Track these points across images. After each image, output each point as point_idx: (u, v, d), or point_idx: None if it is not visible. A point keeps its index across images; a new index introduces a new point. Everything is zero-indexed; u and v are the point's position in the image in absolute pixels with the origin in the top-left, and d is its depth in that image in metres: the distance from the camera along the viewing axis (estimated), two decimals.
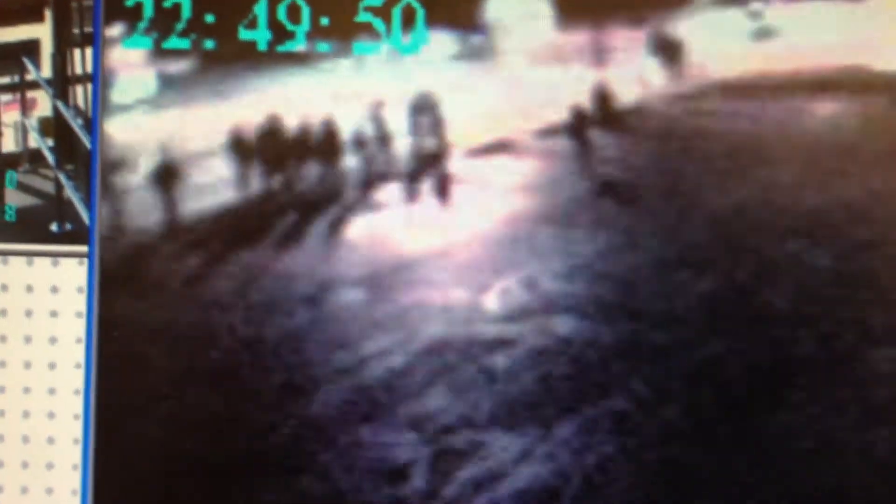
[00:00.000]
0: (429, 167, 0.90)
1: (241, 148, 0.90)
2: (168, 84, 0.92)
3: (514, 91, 0.89)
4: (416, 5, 0.90)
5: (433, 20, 0.90)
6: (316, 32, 0.91)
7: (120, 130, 0.92)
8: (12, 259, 0.98)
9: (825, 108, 0.88)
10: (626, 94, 0.89)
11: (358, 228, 0.91)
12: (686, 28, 0.89)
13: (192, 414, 0.91)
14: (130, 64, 0.93)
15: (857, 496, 0.88)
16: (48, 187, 0.99)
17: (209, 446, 0.91)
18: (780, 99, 0.88)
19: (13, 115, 0.99)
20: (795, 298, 0.88)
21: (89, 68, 0.96)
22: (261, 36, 0.90)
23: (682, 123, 0.89)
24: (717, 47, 0.88)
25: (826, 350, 0.88)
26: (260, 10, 0.90)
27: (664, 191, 0.89)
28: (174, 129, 0.92)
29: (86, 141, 0.97)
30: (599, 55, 0.89)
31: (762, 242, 0.88)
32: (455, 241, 0.91)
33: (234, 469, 0.91)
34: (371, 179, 0.90)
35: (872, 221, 0.88)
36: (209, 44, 0.92)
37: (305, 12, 0.91)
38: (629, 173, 0.89)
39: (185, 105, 0.91)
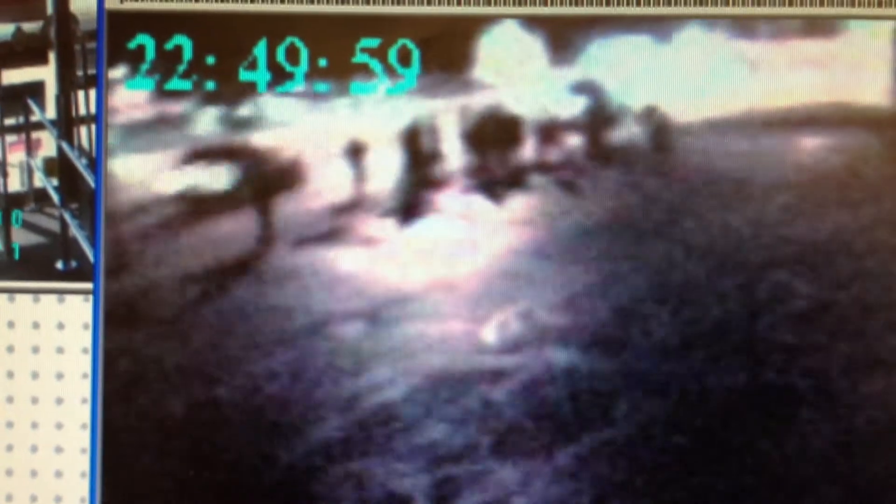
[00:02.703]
0: (427, 202, 0.92)
1: (242, 187, 0.92)
2: (170, 124, 0.93)
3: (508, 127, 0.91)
4: (411, 46, 0.91)
5: (428, 61, 0.91)
6: (314, 73, 0.92)
7: (123, 170, 0.93)
8: (19, 297, 0.98)
9: (809, 143, 0.89)
10: (617, 130, 0.91)
11: (357, 262, 0.92)
12: (674, 64, 0.90)
13: (197, 447, 0.93)
14: (133, 105, 0.94)
15: None
16: (53, 226, 0.99)
17: (213, 478, 0.93)
18: (766, 135, 0.90)
19: (19, 156, 1.00)
20: (783, 329, 0.90)
21: (93, 109, 0.97)
22: (260, 77, 0.92)
23: (673, 159, 0.90)
24: (705, 84, 0.90)
25: (813, 379, 0.89)
26: (259, 51, 0.92)
27: (655, 225, 0.90)
28: (177, 168, 0.93)
29: (90, 180, 0.98)
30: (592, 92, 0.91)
31: (750, 275, 0.90)
32: (453, 275, 0.92)
33: (238, 500, 0.92)
34: (369, 213, 0.92)
35: (855, 253, 0.89)
36: (210, 85, 0.93)
37: (304, 54, 0.93)
38: (621, 209, 0.90)
39: (187, 144, 0.93)
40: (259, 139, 0.93)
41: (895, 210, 0.90)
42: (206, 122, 0.93)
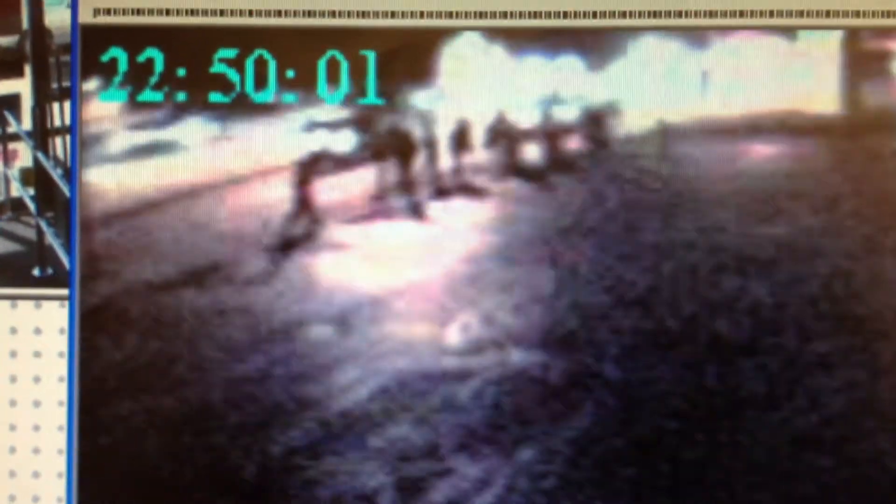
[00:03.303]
0: (392, 208, 0.94)
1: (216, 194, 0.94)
2: (143, 134, 0.95)
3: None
4: (371, 57, 0.94)
5: (390, 71, 0.94)
6: (283, 84, 0.95)
7: (98, 179, 0.95)
8: None
9: (760, 151, 0.92)
10: (576, 138, 0.93)
11: (325, 268, 0.95)
12: (629, 74, 0.93)
13: (170, 447, 0.95)
14: (107, 116, 0.96)
15: None
16: (30, 234, 1.02)
17: (186, 478, 0.95)
18: (719, 142, 0.92)
19: None
20: (736, 329, 0.92)
21: (68, 121, 0.99)
22: (231, 88, 0.94)
23: (630, 167, 0.93)
24: (660, 93, 0.93)
25: (767, 377, 0.92)
26: (229, 64, 0.94)
27: (613, 230, 0.93)
28: (149, 177, 0.95)
29: (65, 189, 1.00)
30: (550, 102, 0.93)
31: (705, 278, 0.92)
32: (417, 279, 0.94)
33: (211, 499, 0.94)
34: (339, 222, 0.94)
35: (805, 256, 0.92)
36: (181, 96, 0.96)
37: (272, 65, 0.95)
38: (580, 215, 0.93)
39: (159, 154, 0.95)
40: (229, 148, 0.95)
41: (844, 214, 0.92)
42: (179, 133, 0.95)
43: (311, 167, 0.94)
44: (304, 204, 0.94)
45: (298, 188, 0.94)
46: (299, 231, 0.94)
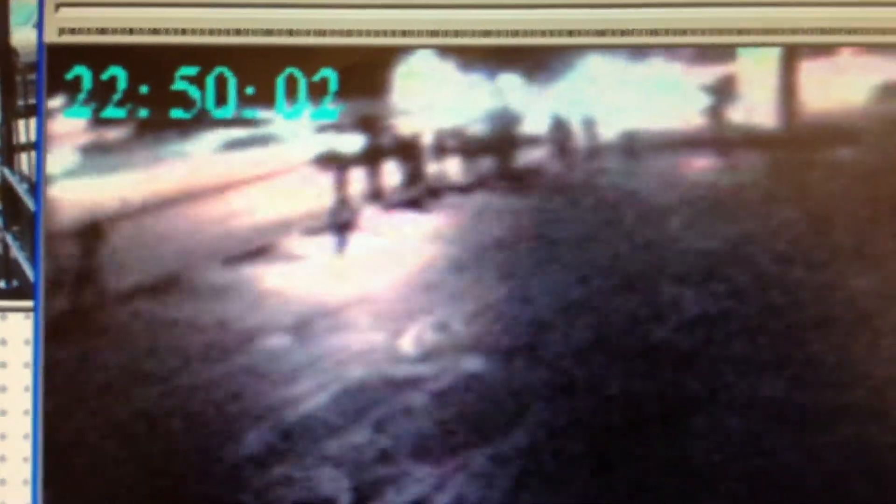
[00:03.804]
0: (348, 221, 0.97)
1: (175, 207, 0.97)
2: (106, 150, 0.98)
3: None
4: (331, 75, 0.97)
5: (348, 88, 0.97)
6: (242, 101, 0.97)
7: (62, 194, 0.98)
8: None
9: (701, 164, 0.95)
10: (526, 152, 0.96)
11: (282, 279, 0.97)
12: (577, 90, 0.96)
13: (133, 455, 0.97)
14: (71, 132, 0.98)
15: None
16: None
17: (149, 485, 0.96)
18: (660, 156, 0.96)
19: None
20: (682, 336, 0.95)
21: (33, 137, 1.01)
22: (191, 105, 0.97)
23: (577, 179, 0.96)
24: (606, 108, 0.96)
25: (711, 382, 0.95)
26: (189, 81, 0.97)
27: (562, 241, 0.96)
28: (113, 192, 0.97)
29: (30, 204, 1.02)
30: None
31: (652, 286, 0.95)
32: (372, 289, 0.97)
33: None
34: (295, 234, 0.97)
35: (745, 264, 0.95)
36: (143, 112, 0.98)
37: (232, 83, 0.98)
38: (530, 226, 0.96)
39: (122, 169, 0.98)
40: (189, 163, 0.97)
41: (780, 224, 0.95)
42: (142, 148, 0.97)
43: (272, 180, 0.96)
44: (265, 215, 0.96)
45: (259, 202, 0.96)
46: (257, 243, 0.96)
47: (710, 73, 0.95)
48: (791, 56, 0.95)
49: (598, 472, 0.95)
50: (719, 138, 0.95)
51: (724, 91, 0.96)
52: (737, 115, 0.95)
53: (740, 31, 0.95)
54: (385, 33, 0.98)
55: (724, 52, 0.96)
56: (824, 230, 0.95)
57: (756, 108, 0.95)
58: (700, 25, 0.95)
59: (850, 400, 0.95)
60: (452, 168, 0.96)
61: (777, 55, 0.95)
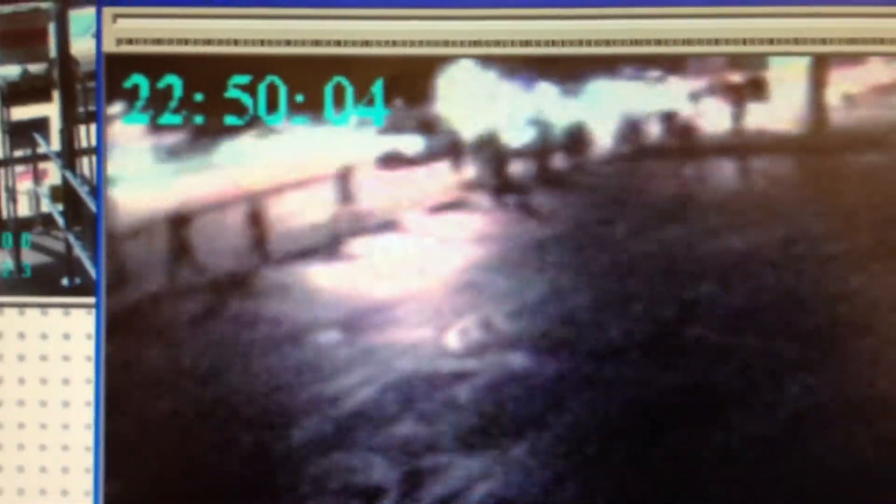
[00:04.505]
0: (395, 222, 1.01)
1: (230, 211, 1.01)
2: (163, 154, 1.02)
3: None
4: (377, 82, 1.01)
5: (393, 96, 1.01)
6: (293, 108, 1.02)
7: (121, 196, 1.02)
8: (28, 310, 1.06)
9: (733, 167, 0.99)
10: (565, 156, 1.01)
11: (333, 277, 1.01)
12: (617, 98, 1.00)
13: (189, 443, 1.01)
14: (130, 138, 1.03)
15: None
16: (59, 247, 1.07)
17: (206, 472, 1.00)
18: (699, 160, 1.00)
19: (27, 184, 1.07)
20: (717, 333, 0.99)
21: (93, 142, 1.05)
22: (245, 111, 1.01)
23: (616, 182, 1.00)
24: (642, 115, 1.00)
25: (745, 379, 0.99)
26: (243, 89, 1.01)
27: (600, 241, 1.00)
28: (170, 194, 1.02)
29: (91, 205, 1.06)
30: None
31: (685, 284, 0.99)
32: (419, 287, 1.01)
33: (231, 491, 1.01)
34: (345, 235, 1.01)
35: (776, 264, 0.99)
36: (199, 119, 1.02)
37: (283, 91, 1.02)
38: (569, 227, 1.00)
39: (179, 173, 1.02)
40: (242, 167, 1.01)
41: (809, 226, 0.99)
42: (197, 152, 1.02)
43: (322, 184, 1.00)
44: (317, 217, 1.00)
45: (311, 205, 1.00)
46: (311, 243, 1.00)
47: (745, 80, 0.98)
48: (820, 64, 0.98)
49: (635, 464, 0.99)
50: (753, 143, 0.99)
51: (756, 97, 0.98)
52: (769, 120, 0.98)
53: (771, 41, 0.98)
54: (428, 43, 1.01)
55: (755, 61, 0.98)
56: (856, 231, 0.98)
57: (786, 113, 0.98)
58: (732, 35, 0.98)
59: (881, 397, 0.98)
60: (494, 172, 1.00)
61: (806, 64, 0.98)
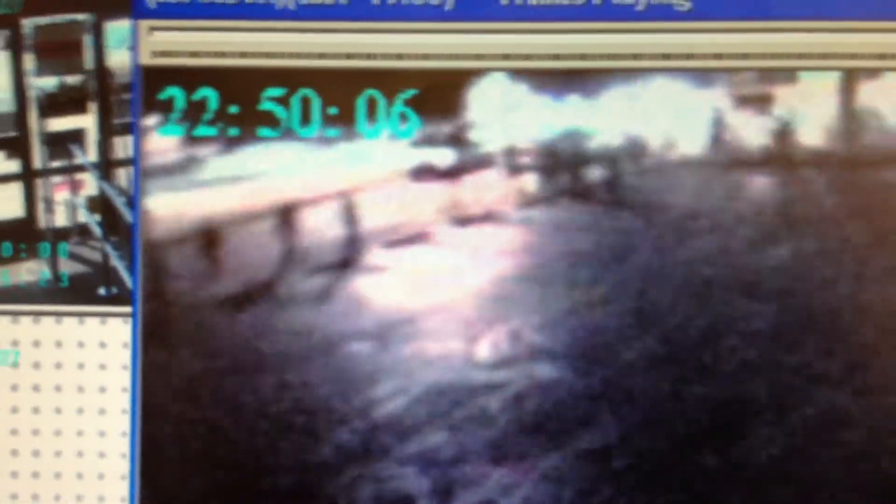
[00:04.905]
0: (427, 234, 1.02)
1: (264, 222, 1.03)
2: (198, 166, 1.04)
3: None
4: (414, 95, 1.02)
5: (424, 109, 1.02)
6: (326, 121, 1.03)
7: (157, 207, 1.04)
8: (65, 319, 1.07)
9: (762, 181, 1.00)
10: (595, 169, 1.02)
11: (365, 289, 1.03)
12: (643, 111, 1.01)
13: (222, 452, 1.03)
14: (165, 149, 1.04)
15: None
16: (96, 257, 1.08)
17: (238, 480, 1.02)
18: (726, 174, 1.00)
19: (64, 195, 1.08)
20: (746, 348, 1.00)
21: (129, 153, 1.06)
22: (277, 124, 1.03)
23: (645, 195, 1.01)
24: (670, 129, 1.01)
25: (776, 393, 0.99)
26: (276, 102, 1.03)
27: (630, 255, 1.01)
28: (205, 205, 1.03)
29: (128, 216, 1.06)
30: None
31: (714, 299, 1.00)
32: (449, 299, 1.02)
33: (262, 499, 1.03)
34: (377, 246, 1.03)
35: (804, 279, 1.00)
36: (234, 131, 1.04)
37: (316, 103, 1.03)
38: (599, 240, 1.01)
39: (214, 184, 1.03)
40: (277, 179, 1.03)
41: (836, 241, 0.99)
42: (232, 164, 1.03)
43: (354, 196, 1.02)
44: (349, 228, 1.01)
45: (344, 216, 1.01)
46: (343, 255, 1.01)
47: (773, 94, 0.98)
48: (850, 79, 0.98)
49: (665, 477, 1.00)
50: (782, 157, 1.00)
51: (785, 112, 0.99)
52: (801, 134, 0.99)
53: (800, 56, 0.99)
54: (459, 57, 1.02)
55: (785, 75, 0.99)
56: (884, 250, 0.98)
57: (816, 128, 0.98)
58: (761, 50, 0.99)
59: None
60: (523, 184, 1.01)
61: (836, 78, 0.98)
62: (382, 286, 1.02)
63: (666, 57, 1.00)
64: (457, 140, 1.01)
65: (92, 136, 1.08)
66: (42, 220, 1.09)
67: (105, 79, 1.08)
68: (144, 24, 1.04)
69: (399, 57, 1.02)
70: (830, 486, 0.99)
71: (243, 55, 1.03)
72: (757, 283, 0.99)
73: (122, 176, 1.08)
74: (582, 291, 1.00)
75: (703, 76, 1.00)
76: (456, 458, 1.01)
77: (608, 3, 1.00)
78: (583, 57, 1.00)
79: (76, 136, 1.09)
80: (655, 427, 1.00)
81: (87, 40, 1.08)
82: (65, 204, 1.09)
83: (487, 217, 1.01)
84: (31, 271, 1.09)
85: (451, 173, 1.01)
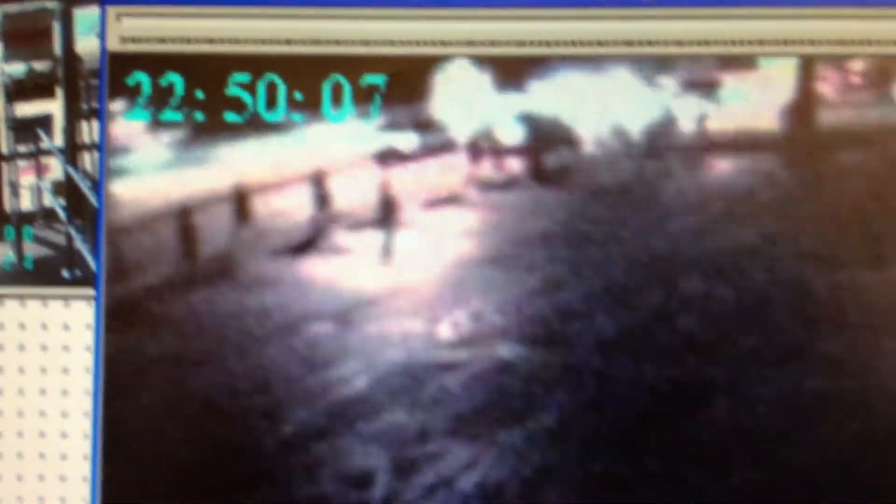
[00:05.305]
0: (389, 217, 1.03)
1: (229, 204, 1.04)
2: (163, 150, 1.04)
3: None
4: (376, 81, 1.03)
5: (390, 94, 1.04)
6: (291, 106, 1.04)
7: (122, 191, 1.04)
8: (29, 301, 1.07)
9: (722, 165, 1.02)
10: (555, 153, 1.03)
11: (327, 271, 1.04)
12: (604, 97, 1.02)
13: (185, 431, 1.03)
14: (131, 134, 1.05)
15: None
16: (60, 240, 1.08)
17: (201, 459, 1.02)
18: (685, 158, 1.02)
19: (30, 179, 1.09)
20: (706, 326, 1.01)
21: (95, 138, 1.06)
22: (243, 108, 1.04)
23: (605, 180, 1.02)
24: (630, 114, 1.02)
25: (732, 371, 1.00)
26: (242, 87, 1.04)
27: (589, 237, 1.02)
28: (169, 189, 1.04)
29: (93, 200, 1.07)
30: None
31: (674, 279, 1.01)
32: (411, 280, 1.03)
33: (225, 479, 1.03)
34: (340, 229, 1.03)
35: (767, 260, 1.01)
36: (199, 116, 1.05)
37: (282, 89, 1.04)
38: (559, 222, 1.02)
39: (178, 168, 1.04)
40: (241, 163, 1.04)
41: (796, 223, 1.01)
42: (197, 149, 1.04)
43: (320, 179, 1.02)
44: (313, 211, 1.02)
45: (308, 200, 1.02)
46: (307, 237, 1.02)
47: (732, 80, 1.00)
48: (808, 65, 1.00)
49: (622, 454, 1.00)
50: (743, 141, 1.01)
51: (745, 97, 1.00)
52: (756, 120, 1.00)
53: (760, 42, 1.00)
54: (425, 43, 1.03)
55: (745, 61, 1.01)
56: (843, 230, 1.00)
57: (776, 113, 1.00)
58: (722, 36, 1.00)
59: (865, 390, 1.00)
60: (487, 168, 1.02)
61: (794, 64, 1.00)
62: (345, 268, 1.02)
63: (628, 44, 1.01)
64: (421, 125, 1.02)
65: (59, 121, 1.09)
66: (7, 204, 1.09)
67: (73, 65, 1.09)
68: (112, 10, 1.06)
69: (365, 43, 1.03)
70: (789, 462, 0.99)
71: (210, 41, 1.04)
72: (715, 263, 1.00)
73: (88, 160, 1.09)
74: (542, 273, 1.00)
75: (664, 62, 1.01)
76: (417, 436, 1.01)
77: None
78: (547, 44, 1.01)
79: (43, 122, 1.10)
80: (613, 405, 1.00)
81: (56, 27, 1.09)
82: (30, 188, 1.10)
83: (450, 200, 1.01)
84: None
85: (416, 157, 1.02)
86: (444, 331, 1.02)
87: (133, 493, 1.03)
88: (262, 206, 1.03)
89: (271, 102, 1.03)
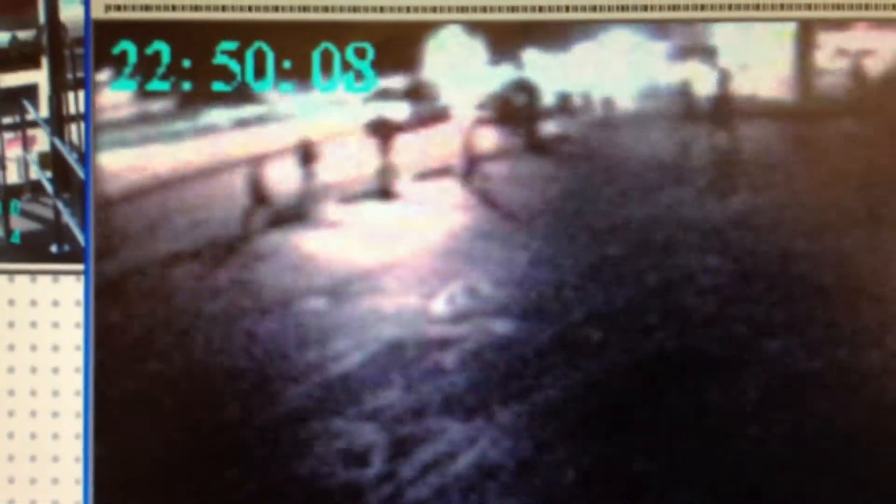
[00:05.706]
0: (381, 190, 1.02)
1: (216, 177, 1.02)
2: (151, 121, 1.02)
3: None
4: (367, 48, 1.01)
5: (382, 62, 1.01)
6: (280, 74, 1.02)
7: (110, 162, 1.02)
8: (18, 277, 1.06)
9: (719, 134, 1.00)
10: (550, 122, 1.01)
11: (320, 244, 1.02)
12: (598, 64, 1.00)
13: (177, 408, 1.02)
14: (118, 104, 1.03)
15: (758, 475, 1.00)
16: (48, 214, 1.07)
17: (194, 435, 1.02)
18: (682, 127, 1.00)
19: (16, 151, 1.08)
20: (701, 299, 0.99)
21: (82, 109, 1.05)
22: (232, 78, 1.02)
23: (600, 148, 1.01)
24: (626, 81, 1.00)
25: (729, 345, 0.99)
26: (230, 55, 1.01)
27: (585, 209, 1.00)
28: (158, 161, 1.02)
29: (80, 172, 1.06)
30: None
31: (670, 251, 1.00)
32: (406, 254, 1.01)
33: (218, 455, 1.02)
34: (332, 201, 1.02)
35: (759, 230, 0.99)
36: (187, 85, 1.03)
37: (270, 57, 1.02)
38: (554, 194, 1.00)
39: (167, 139, 1.02)
40: (230, 133, 1.02)
41: (794, 193, 0.99)
42: (185, 118, 1.02)
43: (309, 150, 1.00)
44: (302, 185, 1.00)
45: (298, 171, 1.00)
46: (298, 210, 1.00)
47: (728, 46, 0.98)
48: (806, 30, 0.98)
49: (620, 429, 0.99)
50: (736, 109, 0.99)
51: (738, 63, 0.98)
52: (752, 86, 0.98)
53: (757, 7, 0.98)
54: (416, 9, 1.01)
55: (739, 25, 0.98)
56: (837, 199, 0.98)
57: (771, 80, 0.98)
58: (717, 1, 0.98)
59: (863, 363, 0.99)
60: (480, 138, 1.00)
61: (792, 29, 0.98)
62: (338, 242, 1.01)
63: (623, 9, 0.99)
64: (413, 94, 1.00)
65: (44, 92, 1.08)
66: None
67: (57, 34, 1.07)
68: None
69: (354, 10, 1.00)
70: (787, 436, 0.98)
71: (196, 8, 1.02)
72: (713, 235, 0.97)
73: (74, 132, 1.07)
74: (538, 246, 0.99)
75: (660, 28, 0.98)
76: (412, 413, 1.00)
77: None
78: (540, 9, 0.99)
79: (28, 92, 1.08)
80: (611, 380, 0.99)
81: None
82: (17, 160, 1.09)
83: (444, 171, 0.99)
84: None
85: (408, 127, 1.01)
86: (439, 306, 1.01)
87: (126, 471, 1.02)
88: (253, 179, 1.01)
89: (260, 71, 1.01)
